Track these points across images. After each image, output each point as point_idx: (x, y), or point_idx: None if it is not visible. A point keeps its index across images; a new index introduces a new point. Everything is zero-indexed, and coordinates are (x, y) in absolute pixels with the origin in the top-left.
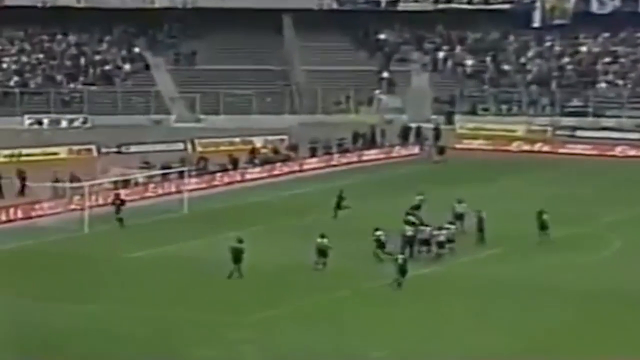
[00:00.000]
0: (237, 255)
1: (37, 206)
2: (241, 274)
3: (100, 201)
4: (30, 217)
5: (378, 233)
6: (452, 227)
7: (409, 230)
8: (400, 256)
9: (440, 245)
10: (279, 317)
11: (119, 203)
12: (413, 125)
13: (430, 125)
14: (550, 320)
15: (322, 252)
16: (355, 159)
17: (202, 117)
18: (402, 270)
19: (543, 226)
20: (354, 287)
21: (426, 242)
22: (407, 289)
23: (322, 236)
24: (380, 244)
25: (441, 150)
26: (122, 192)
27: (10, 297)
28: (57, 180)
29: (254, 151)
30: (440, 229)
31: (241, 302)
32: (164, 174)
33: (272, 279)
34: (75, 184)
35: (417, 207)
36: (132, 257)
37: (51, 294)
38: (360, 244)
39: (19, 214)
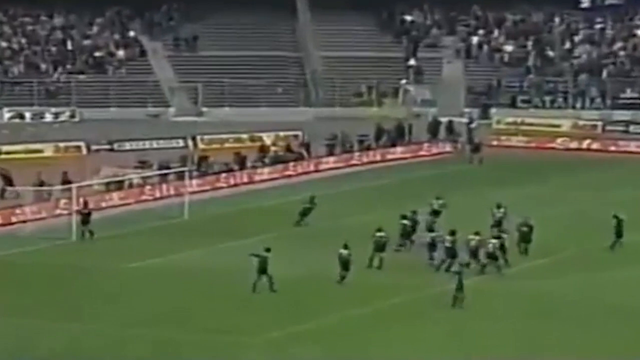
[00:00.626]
0: (262, 266)
1: (18, 211)
2: (273, 287)
3: (91, 205)
4: (11, 224)
5: (379, 234)
6: (505, 235)
7: (469, 240)
8: (457, 268)
9: (491, 256)
10: (296, 335)
11: (86, 212)
12: (444, 119)
13: (464, 120)
14: (611, 342)
15: (344, 265)
16: (378, 157)
17: (205, 110)
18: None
19: (619, 233)
20: (381, 301)
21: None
22: (439, 303)
23: (345, 246)
24: (380, 247)
25: (476, 148)
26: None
27: None
28: (41, 182)
29: (263, 149)
30: (495, 237)
31: (251, 319)
32: (162, 175)
33: (288, 293)
34: (60, 187)
35: (437, 213)
36: (127, 269)
37: (31, 311)
38: (395, 255)
39: None
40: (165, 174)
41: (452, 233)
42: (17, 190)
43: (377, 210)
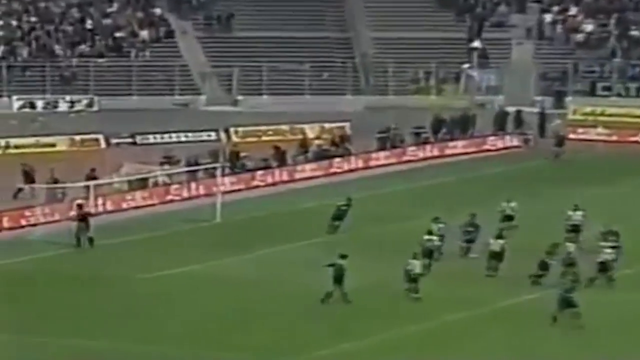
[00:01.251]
0: (339, 275)
1: (28, 213)
2: (346, 298)
3: (110, 206)
4: (20, 227)
5: (427, 238)
6: (618, 245)
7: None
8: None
9: (604, 267)
10: (347, 354)
11: (81, 217)
12: (512, 109)
13: (535, 110)
14: None
15: (413, 279)
16: (436, 152)
17: (240, 99)
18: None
19: None
20: (444, 315)
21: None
22: (510, 317)
23: (415, 256)
24: (428, 252)
25: (560, 142)
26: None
27: None
28: (55, 180)
29: (304, 143)
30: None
31: (294, 335)
32: (190, 172)
33: (336, 307)
34: (74, 184)
35: (510, 218)
36: (149, 279)
37: (38, 326)
38: (450, 264)
39: (5, 223)
40: (195, 171)
41: (554, 246)
42: (35, 190)
43: (433, 214)
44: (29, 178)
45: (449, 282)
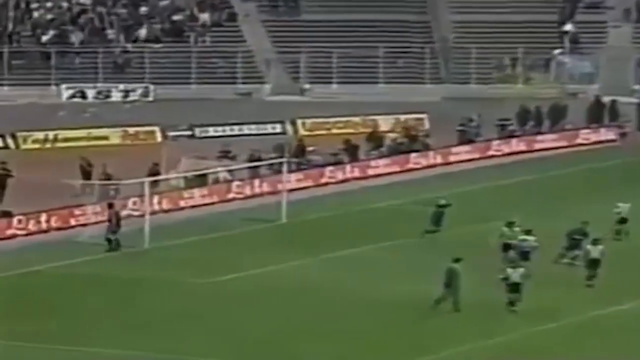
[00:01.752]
0: (450, 279)
1: (77, 212)
2: (457, 305)
3: (166, 205)
4: (69, 227)
5: (523, 237)
6: None
7: None
8: None
9: None
10: None
11: (116, 220)
12: (607, 99)
13: (633, 100)
14: None
15: (514, 289)
16: (523, 147)
17: (308, 88)
18: None
19: None
20: (528, 327)
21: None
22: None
23: (514, 266)
24: (524, 255)
25: None
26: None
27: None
28: (107, 176)
29: (376, 136)
30: None
31: (367, 348)
32: (253, 168)
33: (411, 318)
34: (128, 181)
35: (623, 221)
36: (208, 284)
37: (91, 336)
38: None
39: (53, 223)
40: (258, 167)
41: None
42: (87, 187)
43: (518, 215)
44: (86, 174)
45: (538, 290)
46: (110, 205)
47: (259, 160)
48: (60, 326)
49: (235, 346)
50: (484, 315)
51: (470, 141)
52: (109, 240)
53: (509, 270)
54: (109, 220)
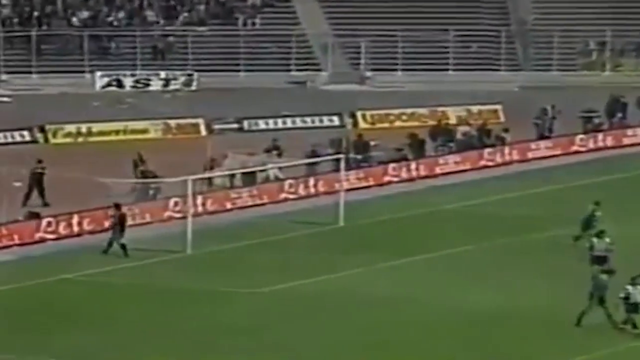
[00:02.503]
0: (597, 292)
1: (113, 213)
2: (611, 319)
3: (211, 206)
4: (104, 230)
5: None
6: None
7: None
8: None
9: None
10: None
11: (119, 221)
12: None
13: None
14: None
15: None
16: (611, 142)
17: (370, 76)
18: None
19: None
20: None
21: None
22: None
23: (634, 283)
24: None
25: None
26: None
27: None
28: (146, 174)
29: (448, 129)
30: None
31: None
32: (308, 165)
33: (475, 332)
34: (169, 179)
35: None
36: (258, 294)
37: (129, 351)
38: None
39: (86, 226)
40: (314, 164)
41: None
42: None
43: (605, 217)
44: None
45: None
46: (117, 206)
47: (315, 156)
48: (95, 342)
49: None
50: (582, 328)
51: (542, 136)
52: (110, 244)
53: (629, 288)
54: (116, 224)
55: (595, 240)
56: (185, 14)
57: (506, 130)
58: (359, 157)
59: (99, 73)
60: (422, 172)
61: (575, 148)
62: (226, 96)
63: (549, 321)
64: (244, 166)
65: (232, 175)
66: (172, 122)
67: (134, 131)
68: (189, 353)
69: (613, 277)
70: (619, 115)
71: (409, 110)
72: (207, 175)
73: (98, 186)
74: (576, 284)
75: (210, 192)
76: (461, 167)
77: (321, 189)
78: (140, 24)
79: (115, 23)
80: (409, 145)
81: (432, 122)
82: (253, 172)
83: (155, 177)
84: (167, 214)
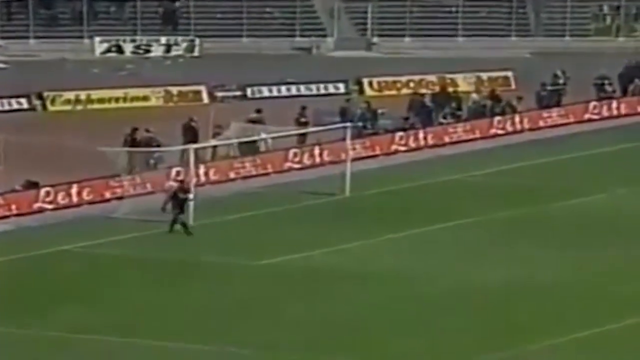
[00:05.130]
0: None
1: (113, 182)
2: None
3: (214, 176)
4: (104, 200)
5: None
6: None
7: None
8: None
9: None
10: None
11: (182, 196)
12: None
13: None
14: None
15: None
16: (625, 110)
17: (377, 42)
18: None
19: None
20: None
21: None
22: None
23: None
24: None
25: None
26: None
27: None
28: (149, 142)
29: (453, 96)
30: None
31: (437, 343)
32: (314, 134)
33: (489, 309)
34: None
35: None
36: (262, 266)
37: (129, 324)
38: None
39: (85, 196)
40: (318, 132)
41: None
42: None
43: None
44: (191, 135)
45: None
46: (181, 183)
47: (321, 124)
48: (92, 314)
49: (306, 338)
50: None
51: (547, 106)
52: (184, 224)
53: None
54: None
55: None
56: None
57: (520, 98)
58: (365, 125)
59: (98, 39)
60: (430, 141)
61: (588, 116)
62: (229, 62)
63: (561, 294)
64: (246, 135)
65: (240, 144)
66: (174, 89)
67: (134, 98)
68: (187, 325)
69: None
70: (636, 82)
71: (416, 77)
72: (209, 144)
73: (98, 155)
74: (587, 257)
75: (213, 162)
76: (470, 136)
77: (327, 158)
78: None
79: None
80: (411, 110)
81: (440, 90)
82: (254, 142)
83: (158, 145)
84: (168, 184)
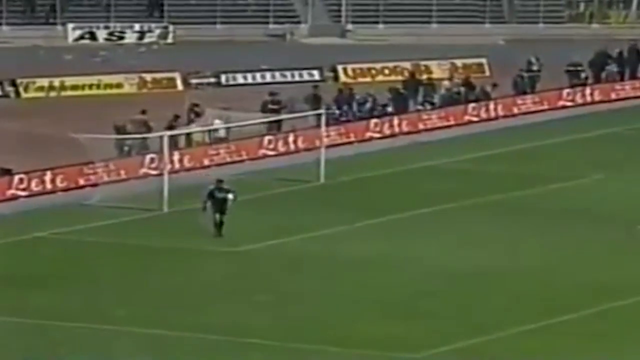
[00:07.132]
0: None
1: (87, 170)
2: None
3: (188, 163)
4: (78, 187)
5: None
6: None
7: None
8: None
9: None
10: (466, 351)
11: (221, 196)
12: None
13: None
14: None
15: None
16: (598, 96)
17: (351, 29)
18: None
19: None
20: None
21: None
22: None
23: None
24: None
25: None
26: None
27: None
28: (122, 129)
29: (424, 82)
30: None
31: (412, 329)
32: (287, 121)
33: (461, 295)
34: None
35: None
36: (236, 253)
37: (104, 311)
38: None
39: (59, 183)
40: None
41: None
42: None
43: (595, 173)
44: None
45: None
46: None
47: (294, 111)
48: (69, 301)
49: (280, 325)
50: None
51: (523, 91)
52: (219, 224)
53: None
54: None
55: None
56: None
57: (495, 85)
58: (339, 111)
59: (71, 25)
60: (405, 128)
61: (562, 103)
62: (203, 49)
63: (540, 279)
64: (223, 121)
65: (212, 131)
66: (148, 76)
67: (108, 85)
68: (162, 311)
69: None
70: (608, 69)
71: (391, 64)
72: (183, 131)
73: (71, 142)
74: (563, 242)
75: (187, 149)
76: (445, 123)
77: (301, 145)
78: None
79: None
80: (390, 100)
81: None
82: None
83: (149, 129)
84: (143, 170)
